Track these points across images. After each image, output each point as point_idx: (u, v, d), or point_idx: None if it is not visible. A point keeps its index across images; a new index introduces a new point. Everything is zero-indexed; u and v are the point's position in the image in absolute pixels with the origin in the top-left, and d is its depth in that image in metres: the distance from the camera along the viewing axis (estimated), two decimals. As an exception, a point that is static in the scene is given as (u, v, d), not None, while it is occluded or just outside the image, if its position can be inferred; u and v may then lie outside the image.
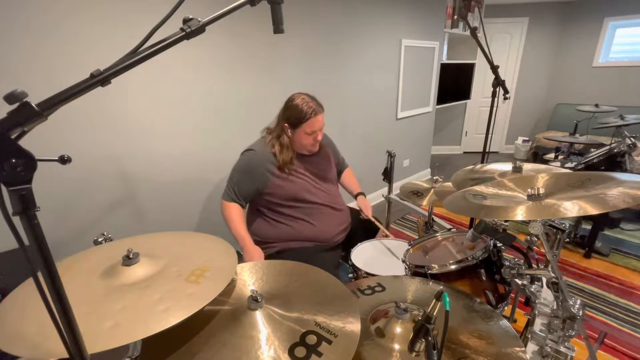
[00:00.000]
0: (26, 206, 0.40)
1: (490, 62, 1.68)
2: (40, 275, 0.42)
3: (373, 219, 1.75)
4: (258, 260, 1.38)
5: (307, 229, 1.55)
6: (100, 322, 0.62)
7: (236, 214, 1.51)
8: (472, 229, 1.19)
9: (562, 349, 0.98)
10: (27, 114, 0.40)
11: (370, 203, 1.81)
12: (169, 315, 0.64)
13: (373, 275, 1.35)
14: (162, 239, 0.95)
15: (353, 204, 1.84)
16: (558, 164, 2.75)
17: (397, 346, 0.77)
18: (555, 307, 0.99)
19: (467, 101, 4.99)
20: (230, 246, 0.91)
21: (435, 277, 1.16)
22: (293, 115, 1.46)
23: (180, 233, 0.99)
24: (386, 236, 1.72)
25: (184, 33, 0.52)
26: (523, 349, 0.76)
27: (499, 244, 1.25)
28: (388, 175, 2.03)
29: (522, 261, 1.22)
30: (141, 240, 0.93)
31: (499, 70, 1.72)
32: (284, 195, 1.52)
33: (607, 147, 2.50)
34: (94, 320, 0.62)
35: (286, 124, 1.49)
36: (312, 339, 0.69)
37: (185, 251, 0.87)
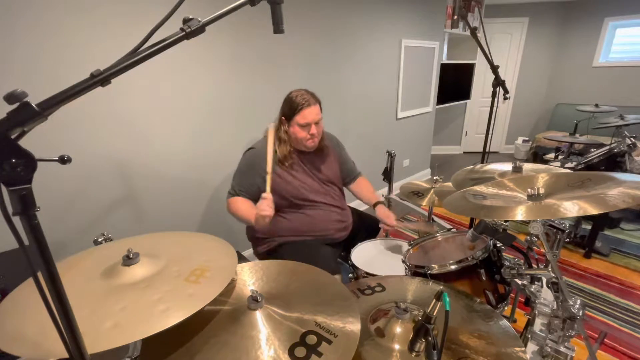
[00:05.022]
0: (26, 206, 0.40)
1: (490, 62, 1.68)
2: (40, 275, 0.42)
3: (400, 226, 1.64)
4: (268, 208, 1.31)
5: (307, 225, 1.55)
6: (101, 322, 0.62)
7: (241, 201, 1.52)
8: (472, 229, 1.19)
9: (562, 349, 0.98)
10: (27, 114, 0.40)
11: (391, 213, 1.64)
12: (168, 315, 0.64)
13: (373, 275, 1.35)
14: (162, 239, 0.95)
15: (355, 204, 1.84)
16: (558, 164, 2.75)
17: (397, 346, 0.77)
18: (555, 307, 0.99)
19: (467, 101, 4.99)
20: (230, 246, 0.91)
21: (435, 277, 1.16)
22: (287, 107, 1.48)
23: (180, 233, 0.99)
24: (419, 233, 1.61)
25: (183, 33, 0.52)
26: (523, 349, 0.76)
27: (499, 244, 1.25)
28: (388, 175, 2.03)
29: (522, 261, 1.22)
30: (141, 240, 0.93)
31: (499, 70, 1.71)
32: (282, 193, 1.52)
33: (607, 147, 2.50)
34: (94, 320, 0.62)
35: (283, 117, 1.50)
36: (312, 339, 0.69)
37: (185, 251, 0.87)
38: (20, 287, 0.74)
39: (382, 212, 1.63)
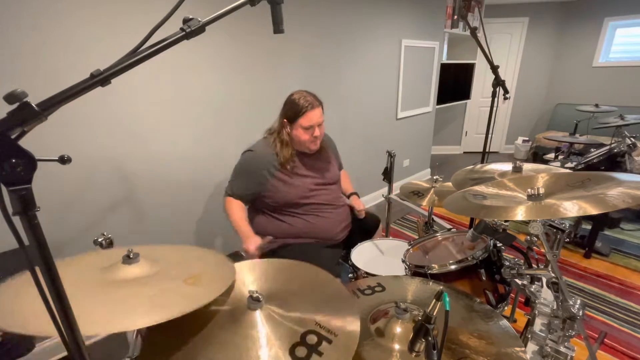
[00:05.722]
0: (26, 206, 0.40)
1: (490, 62, 1.68)
2: (40, 275, 0.42)
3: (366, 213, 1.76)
4: (253, 245, 1.39)
5: (307, 228, 1.55)
6: (95, 308, 0.62)
7: (235, 206, 1.53)
8: (472, 229, 1.19)
9: (562, 349, 0.98)
10: (27, 114, 0.40)
11: (362, 203, 1.79)
12: (167, 308, 0.64)
13: (373, 275, 1.35)
14: (163, 248, 0.94)
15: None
16: (558, 164, 2.75)
17: (397, 346, 0.77)
18: (555, 307, 0.99)
19: (467, 101, 4.99)
20: (230, 263, 0.89)
21: (435, 277, 1.16)
22: (290, 110, 1.47)
23: (181, 247, 0.98)
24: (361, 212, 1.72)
25: (183, 33, 0.52)
26: (523, 349, 0.76)
27: (499, 244, 1.26)
28: (388, 175, 2.02)
29: (522, 261, 1.22)
30: (142, 248, 0.92)
31: (499, 70, 1.71)
32: (284, 199, 1.51)
33: (607, 147, 2.50)
34: (89, 306, 0.63)
35: (285, 120, 1.50)
36: (312, 339, 0.69)
37: (185, 259, 0.87)
38: (15, 278, 0.73)
39: (354, 202, 1.77)
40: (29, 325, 0.57)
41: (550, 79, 4.99)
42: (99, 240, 0.98)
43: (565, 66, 4.84)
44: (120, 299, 0.66)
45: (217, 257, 0.92)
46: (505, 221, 1.26)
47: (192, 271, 0.79)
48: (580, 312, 0.92)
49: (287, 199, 1.52)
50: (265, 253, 1.59)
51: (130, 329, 0.61)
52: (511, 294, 1.22)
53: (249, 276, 0.91)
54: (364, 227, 1.77)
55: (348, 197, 1.82)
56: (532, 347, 1.06)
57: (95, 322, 0.59)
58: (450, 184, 1.64)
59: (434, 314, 0.66)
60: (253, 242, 1.40)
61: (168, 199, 2.00)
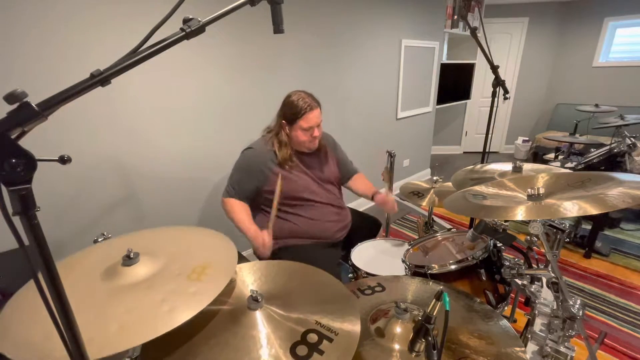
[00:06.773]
0: (26, 206, 0.40)
1: (490, 62, 1.68)
2: (40, 276, 0.42)
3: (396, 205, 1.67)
4: (266, 242, 1.40)
5: (306, 225, 1.55)
6: (106, 326, 0.61)
7: (238, 206, 1.52)
8: (472, 229, 1.19)
9: (562, 349, 0.98)
10: (27, 114, 0.40)
11: (390, 197, 1.67)
12: (174, 315, 0.64)
13: (373, 275, 1.35)
14: (160, 234, 0.94)
15: (354, 204, 1.84)
16: (558, 164, 2.75)
17: (397, 346, 0.77)
18: (555, 307, 0.99)
19: (467, 101, 4.99)
20: (230, 241, 0.90)
21: (435, 277, 1.16)
22: (289, 111, 1.47)
23: (178, 228, 0.99)
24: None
25: (183, 33, 0.52)
26: (523, 349, 0.77)
27: (499, 244, 1.26)
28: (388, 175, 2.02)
29: (522, 261, 1.22)
30: (140, 237, 0.93)
31: (499, 70, 1.72)
32: (284, 193, 1.51)
33: (607, 147, 2.50)
34: (100, 324, 0.62)
35: (284, 121, 1.50)
36: (313, 338, 0.69)
37: (185, 248, 0.87)
38: (21, 292, 0.73)
39: (381, 199, 1.67)
40: (37, 352, 0.57)
41: (550, 79, 4.99)
42: (99, 240, 0.97)
43: (565, 66, 4.84)
44: (128, 312, 0.65)
45: (215, 238, 0.92)
46: (505, 221, 1.27)
47: (194, 263, 0.79)
48: (580, 312, 0.92)
49: (288, 193, 1.51)
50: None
51: (144, 341, 0.60)
52: (511, 294, 1.22)
53: (250, 277, 0.91)
54: (365, 230, 1.76)
55: (372, 198, 1.72)
56: (532, 347, 1.06)
57: (108, 341, 0.58)
58: (450, 184, 1.64)
59: (434, 314, 0.66)
60: (264, 237, 1.40)
61: (168, 198, 2.00)
